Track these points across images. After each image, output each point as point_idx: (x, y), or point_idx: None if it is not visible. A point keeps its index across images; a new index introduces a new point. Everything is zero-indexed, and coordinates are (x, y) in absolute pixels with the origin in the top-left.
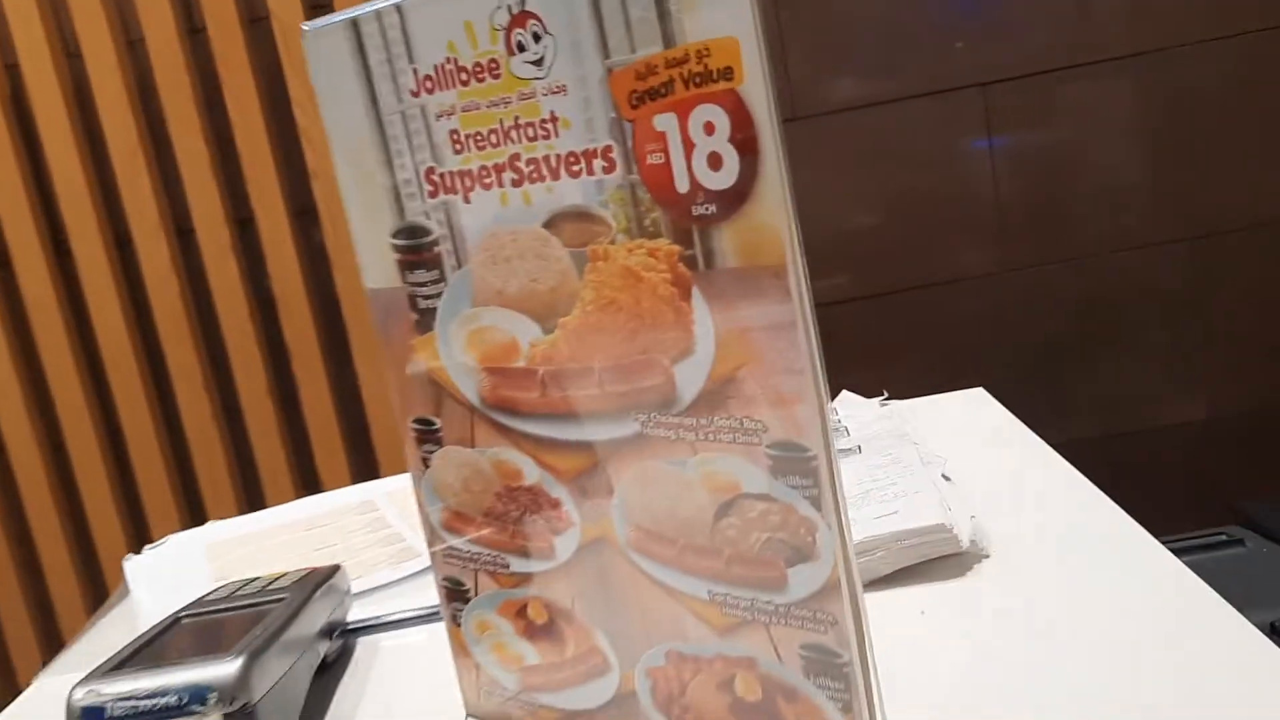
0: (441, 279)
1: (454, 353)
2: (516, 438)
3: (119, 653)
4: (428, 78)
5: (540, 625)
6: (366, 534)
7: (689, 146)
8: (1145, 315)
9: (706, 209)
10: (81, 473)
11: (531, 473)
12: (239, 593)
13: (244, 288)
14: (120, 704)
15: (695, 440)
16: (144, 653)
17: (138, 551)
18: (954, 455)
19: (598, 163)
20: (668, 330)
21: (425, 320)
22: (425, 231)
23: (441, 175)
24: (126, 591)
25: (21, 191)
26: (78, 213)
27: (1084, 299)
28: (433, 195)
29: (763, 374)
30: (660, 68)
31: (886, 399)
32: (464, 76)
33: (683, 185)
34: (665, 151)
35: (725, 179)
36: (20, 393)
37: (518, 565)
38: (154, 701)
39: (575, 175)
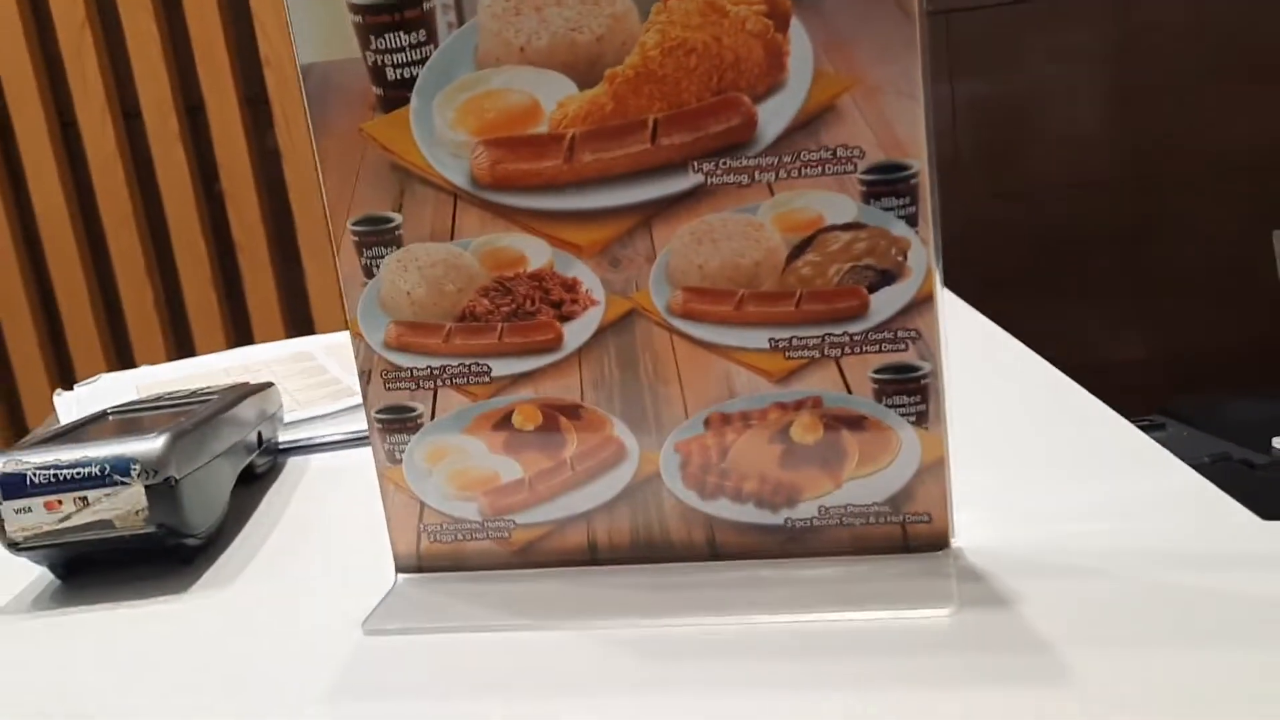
0: (429, 41)
1: (437, 129)
2: (523, 218)
3: (42, 434)
4: None
5: (529, 432)
6: (303, 379)
7: None
8: (1092, 252)
9: None
10: (17, 359)
11: (539, 255)
12: (167, 396)
13: (191, 176)
14: (42, 472)
15: (774, 180)
16: (69, 434)
17: None
18: None
19: None
20: (755, 66)
21: (394, 95)
22: None
23: None
24: (54, 424)
25: None
26: (20, 89)
27: (1032, 233)
28: None
29: (867, 98)
30: None
31: None
32: None
33: None
34: None
35: None
36: None
37: (504, 369)
38: (76, 470)
39: None
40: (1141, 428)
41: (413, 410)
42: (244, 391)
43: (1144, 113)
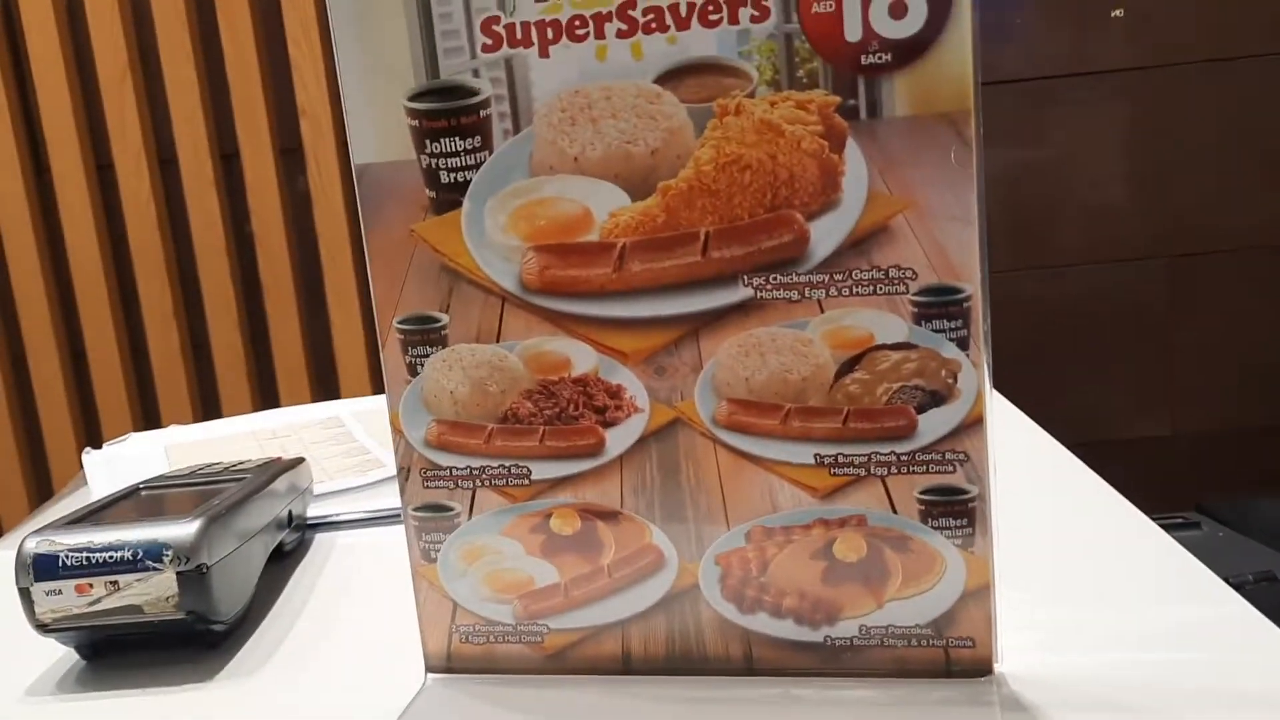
0: (484, 147)
1: (489, 232)
2: (570, 323)
3: (76, 511)
4: None
5: (567, 536)
6: (330, 446)
7: None
8: (1119, 328)
9: (880, 58)
10: (42, 397)
11: (585, 360)
12: (200, 471)
13: (223, 222)
14: (74, 554)
15: (824, 297)
16: (102, 513)
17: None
18: None
19: (745, 11)
20: (809, 184)
21: (447, 198)
22: (470, 91)
23: (509, 26)
24: (81, 484)
25: (4, 108)
26: (60, 133)
27: (1060, 308)
28: (490, 49)
29: (920, 220)
30: None
31: None
32: None
33: (854, 34)
34: None
35: (908, 27)
36: None
37: (544, 472)
38: (109, 554)
39: (712, 25)
40: (1176, 526)
41: (450, 509)
42: (277, 469)
43: (1169, 189)
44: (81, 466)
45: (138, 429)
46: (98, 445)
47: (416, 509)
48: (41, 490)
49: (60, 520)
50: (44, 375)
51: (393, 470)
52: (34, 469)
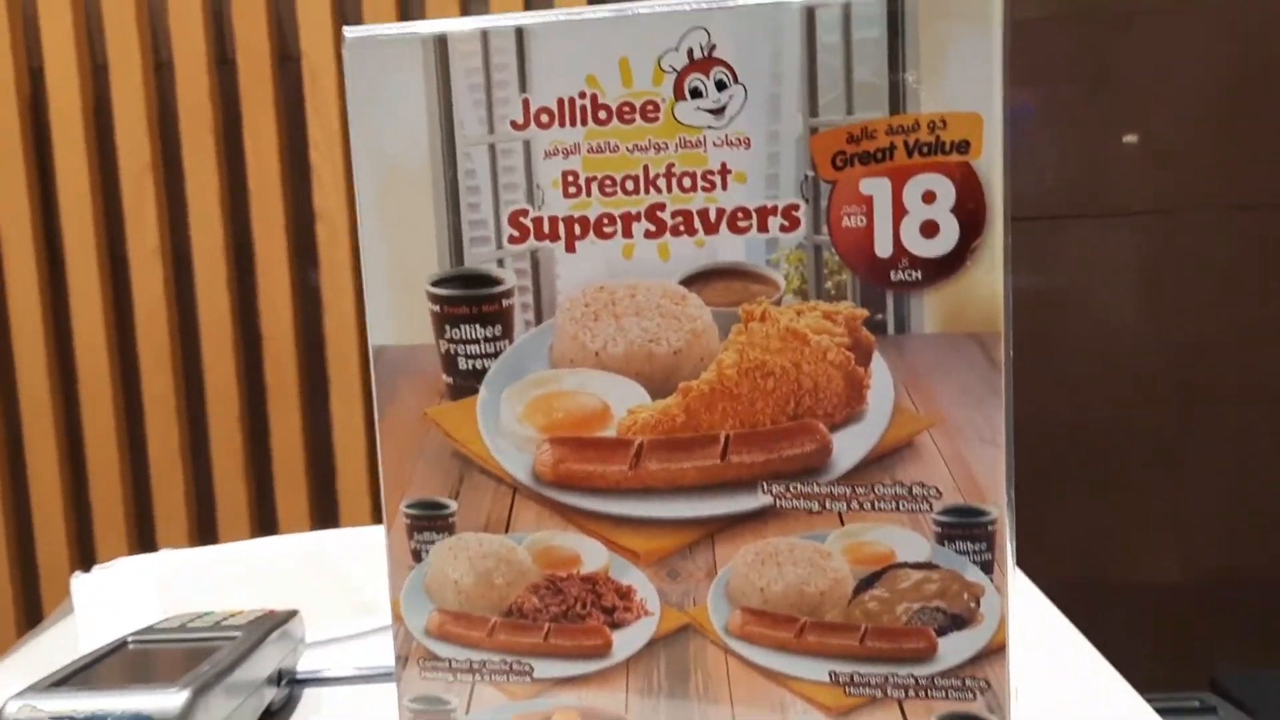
0: (505, 336)
1: (504, 420)
2: (581, 519)
3: (60, 670)
4: (544, 110)
5: None
6: (325, 582)
7: (899, 212)
8: (1130, 466)
9: (910, 275)
10: (36, 484)
11: (595, 558)
12: (191, 625)
13: (232, 321)
14: None
15: (845, 510)
16: (87, 673)
17: (85, 569)
18: None
19: (775, 220)
20: (834, 395)
21: (464, 384)
22: (493, 281)
23: (536, 220)
24: (68, 610)
25: (24, 197)
26: (77, 226)
27: (1069, 443)
28: (517, 241)
29: (946, 438)
30: (880, 133)
31: None
32: (603, 115)
33: (884, 250)
34: (869, 215)
35: (939, 247)
36: None
37: (547, 670)
38: None
39: (740, 231)
40: (1191, 711)
41: (447, 704)
42: (269, 625)
43: (1184, 324)
44: (79, 577)
45: (127, 523)
46: (89, 543)
47: (412, 700)
48: (28, 588)
49: (43, 681)
50: (39, 466)
51: (387, 618)
52: (24, 575)
